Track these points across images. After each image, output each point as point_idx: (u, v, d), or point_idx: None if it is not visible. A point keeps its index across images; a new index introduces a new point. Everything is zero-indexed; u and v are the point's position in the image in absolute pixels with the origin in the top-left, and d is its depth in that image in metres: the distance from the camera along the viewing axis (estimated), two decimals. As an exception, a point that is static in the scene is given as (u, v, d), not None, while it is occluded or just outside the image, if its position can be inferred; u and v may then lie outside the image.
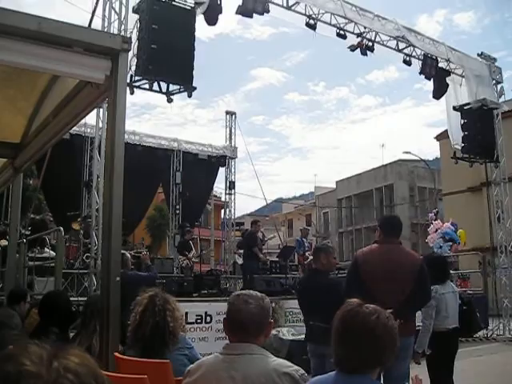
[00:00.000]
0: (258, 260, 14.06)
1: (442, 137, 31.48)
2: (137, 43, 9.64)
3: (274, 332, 10.75)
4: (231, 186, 22.34)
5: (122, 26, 9.78)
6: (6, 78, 4.59)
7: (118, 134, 4.00)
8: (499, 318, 15.49)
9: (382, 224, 5.48)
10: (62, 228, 9.66)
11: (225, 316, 2.85)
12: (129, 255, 7.62)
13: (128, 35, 9.08)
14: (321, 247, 6.39)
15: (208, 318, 10.29)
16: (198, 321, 10.20)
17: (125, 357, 3.39)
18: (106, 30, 9.43)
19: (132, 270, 7.75)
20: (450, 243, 18.73)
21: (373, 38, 13.16)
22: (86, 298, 9.02)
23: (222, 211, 24.97)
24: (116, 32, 9.43)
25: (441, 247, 18.86)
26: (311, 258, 15.14)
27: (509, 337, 14.52)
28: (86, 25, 8.16)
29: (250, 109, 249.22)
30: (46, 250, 11.43)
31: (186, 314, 10.02)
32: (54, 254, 9.88)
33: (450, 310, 5.79)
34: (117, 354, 3.37)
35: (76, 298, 9.27)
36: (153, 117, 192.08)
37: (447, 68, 14.40)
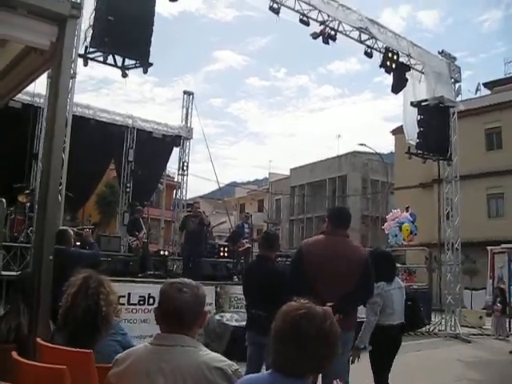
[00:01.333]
0: (196, 241, 13.82)
1: (398, 131, 31.83)
2: (93, 13, 9.29)
3: (217, 317, 10.68)
4: (184, 166, 22.07)
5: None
6: None
7: (60, 104, 3.79)
8: (441, 313, 15.77)
9: (331, 215, 5.38)
10: (3, 200, 9.29)
11: (156, 305, 2.68)
12: (71, 232, 7.34)
13: (83, 3, 8.72)
14: (272, 234, 6.31)
15: (151, 300, 10.10)
16: (141, 302, 10.02)
17: (48, 344, 3.19)
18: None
19: (74, 247, 7.49)
20: (408, 225, 18.89)
21: (336, 27, 13.03)
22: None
23: (174, 192, 24.63)
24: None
25: (396, 235, 18.99)
26: (248, 245, 15.20)
27: (450, 332, 14.78)
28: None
29: (210, 91, 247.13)
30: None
31: (129, 294, 9.88)
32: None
33: (395, 306, 5.73)
34: (40, 340, 3.18)
35: (16, 273, 8.97)
36: (111, 92, 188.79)
37: (407, 63, 14.41)
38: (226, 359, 2.54)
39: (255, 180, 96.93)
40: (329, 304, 4.61)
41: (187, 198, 23.81)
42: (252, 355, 5.82)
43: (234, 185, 69.40)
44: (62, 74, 3.79)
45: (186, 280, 2.68)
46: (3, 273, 8.47)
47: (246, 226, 15.43)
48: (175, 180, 25.55)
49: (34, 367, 2.83)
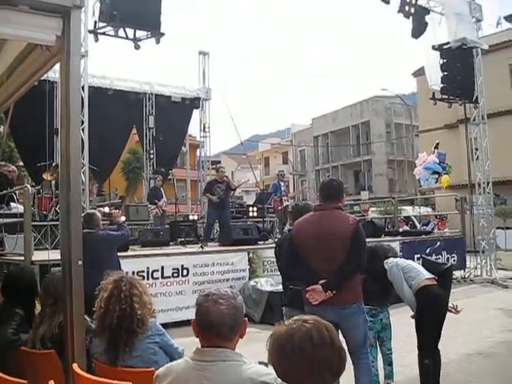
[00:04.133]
0: (223, 207, 13.77)
1: (420, 73, 31.07)
2: (100, -13, 9.07)
3: (252, 283, 10.63)
4: (206, 128, 21.89)
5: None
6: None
7: (73, 98, 3.64)
8: (476, 257, 15.55)
9: (320, 189, 5.15)
10: (28, 186, 9.27)
11: (193, 317, 2.57)
12: (99, 215, 7.26)
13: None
14: (298, 208, 6.09)
15: (184, 272, 10.07)
16: (175, 274, 9.97)
17: (85, 375, 3.10)
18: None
19: (103, 229, 7.42)
20: (436, 176, 18.60)
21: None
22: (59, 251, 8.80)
23: (198, 151, 24.51)
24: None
25: (427, 179, 18.73)
26: (287, 203, 15.05)
27: (486, 278, 14.63)
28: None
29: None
30: (14, 205, 11.08)
31: (162, 268, 9.85)
32: (23, 208, 9.52)
33: (415, 264, 5.63)
34: (77, 370, 3.09)
35: (50, 251, 8.98)
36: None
37: (426, 6, 13.86)
38: (270, 371, 2.42)
39: (277, 131, 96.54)
40: (321, 282, 4.52)
41: (211, 154, 23.70)
42: None
43: (256, 140, 68.95)
44: (72, 68, 3.63)
45: (222, 290, 2.57)
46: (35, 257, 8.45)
47: (281, 184, 15.23)
48: (197, 139, 25.44)
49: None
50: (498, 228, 17.93)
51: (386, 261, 5.65)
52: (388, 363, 5.88)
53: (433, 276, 5.45)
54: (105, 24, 9.16)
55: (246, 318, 2.61)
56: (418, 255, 11.00)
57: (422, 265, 5.77)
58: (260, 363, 2.51)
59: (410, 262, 5.77)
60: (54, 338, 3.85)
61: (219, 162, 50.74)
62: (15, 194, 11.85)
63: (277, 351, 2.09)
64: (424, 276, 5.41)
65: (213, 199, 13.43)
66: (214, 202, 13.42)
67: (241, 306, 2.56)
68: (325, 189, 5.02)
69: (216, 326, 2.45)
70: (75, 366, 3.12)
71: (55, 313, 3.99)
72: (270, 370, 2.50)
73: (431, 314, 5.32)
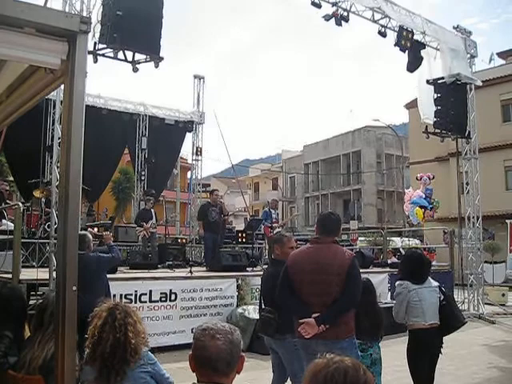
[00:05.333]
0: (217, 231, 13.73)
1: (412, 105, 31.39)
2: (101, 9, 9.09)
3: (240, 310, 10.57)
4: (198, 152, 21.93)
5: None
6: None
7: (75, 127, 3.60)
8: (463, 290, 15.56)
9: (317, 222, 5.18)
10: (20, 203, 9.21)
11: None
12: (90, 236, 7.22)
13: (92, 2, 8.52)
14: (275, 238, 6.15)
15: (172, 296, 10.00)
16: (163, 299, 9.90)
17: None
18: (67, 5, 8.77)
19: (94, 250, 7.38)
20: (423, 210, 18.80)
21: (348, 8, 12.70)
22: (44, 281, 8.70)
23: (189, 173, 24.52)
24: (78, 7, 8.83)
25: (416, 214, 18.95)
26: (278, 229, 15.05)
27: (473, 313, 14.62)
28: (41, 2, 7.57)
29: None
30: (4, 222, 11.02)
31: (150, 292, 9.78)
32: (13, 225, 9.45)
33: (425, 306, 5.49)
34: None
35: (38, 270, 8.92)
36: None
37: (422, 40, 14.03)
38: None
39: (268, 157, 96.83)
40: (314, 315, 4.51)
41: (201, 177, 23.73)
42: (273, 361, 5.77)
43: (246, 165, 68.98)
44: (76, 89, 3.60)
45: (219, 325, 2.54)
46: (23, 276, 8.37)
47: (272, 211, 15.23)
48: (189, 162, 25.47)
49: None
50: (485, 262, 17.96)
51: (400, 282, 5.60)
52: (377, 399, 5.83)
53: (435, 322, 5.44)
54: (105, 46, 9.19)
55: (244, 354, 2.58)
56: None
57: (442, 306, 5.64)
58: None
59: (423, 298, 5.57)
60: (44, 366, 3.78)
61: (209, 185, 50.79)
62: (5, 210, 11.80)
63: (310, 378, 2.06)
64: (426, 322, 5.40)
65: (208, 216, 13.39)
66: (211, 220, 13.36)
67: (238, 341, 2.52)
68: (323, 222, 5.03)
69: (212, 361, 2.41)
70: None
71: (49, 340, 3.92)
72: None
73: (421, 355, 5.33)
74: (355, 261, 4.78)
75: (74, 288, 3.41)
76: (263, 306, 5.69)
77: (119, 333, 3.43)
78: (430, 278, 5.71)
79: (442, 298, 5.67)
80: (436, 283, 5.71)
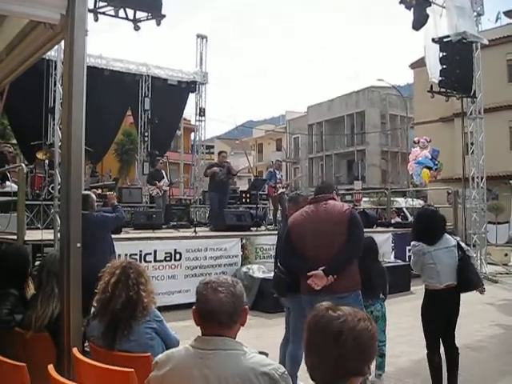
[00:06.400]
0: (224, 191, 13.77)
1: (417, 65, 31.02)
2: (101, -35, 8.95)
3: (244, 269, 10.65)
4: (201, 112, 21.80)
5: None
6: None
7: (77, 83, 3.59)
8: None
9: (314, 191, 5.34)
10: (23, 165, 9.18)
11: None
12: (94, 196, 7.21)
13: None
14: (290, 197, 6.21)
15: (177, 256, 10.08)
16: (167, 258, 9.98)
17: (87, 360, 3.08)
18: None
19: (98, 210, 7.38)
20: (429, 171, 18.73)
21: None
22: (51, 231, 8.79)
23: (192, 134, 24.40)
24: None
25: (419, 175, 18.86)
26: (282, 190, 15.04)
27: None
28: None
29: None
30: (8, 184, 11.01)
31: (155, 251, 9.85)
32: (17, 187, 9.46)
33: (440, 268, 5.25)
34: (78, 355, 3.07)
35: (43, 231, 8.97)
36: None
37: (428, -3, 13.75)
38: (272, 362, 2.42)
39: (272, 118, 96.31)
40: (320, 268, 4.54)
41: (205, 138, 23.67)
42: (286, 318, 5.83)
43: (250, 126, 68.71)
44: (76, 50, 3.58)
45: (221, 278, 2.54)
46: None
47: (277, 172, 15.19)
48: (192, 123, 25.31)
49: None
50: (489, 223, 17.95)
51: (414, 243, 5.48)
52: (380, 355, 5.89)
53: (451, 282, 5.28)
54: (105, 3, 9.06)
55: (247, 306, 2.59)
56: (410, 247, 11.02)
57: (460, 265, 5.36)
58: (260, 353, 2.50)
59: (438, 260, 5.32)
60: (50, 323, 3.83)
61: (213, 147, 50.73)
62: (9, 172, 11.79)
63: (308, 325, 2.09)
64: (441, 284, 5.29)
65: (216, 173, 13.36)
66: (217, 180, 13.36)
67: (240, 293, 2.53)
68: (316, 189, 5.28)
69: (215, 314, 2.42)
70: (75, 350, 3.10)
71: (54, 297, 3.96)
72: (271, 360, 2.50)
73: (434, 313, 5.28)
74: (354, 211, 4.88)
75: (78, 245, 3.45)
76: (278, 264, 5.74)
77: (132, 291, 3.53)
78: (446, 235, 5.45)
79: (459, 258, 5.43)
80: (454, 241, 5.46)
